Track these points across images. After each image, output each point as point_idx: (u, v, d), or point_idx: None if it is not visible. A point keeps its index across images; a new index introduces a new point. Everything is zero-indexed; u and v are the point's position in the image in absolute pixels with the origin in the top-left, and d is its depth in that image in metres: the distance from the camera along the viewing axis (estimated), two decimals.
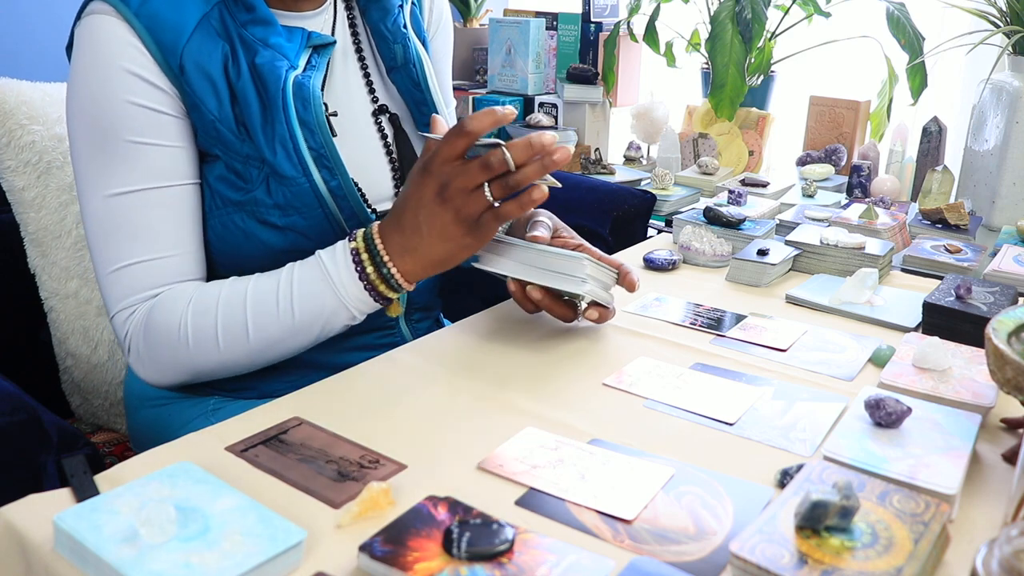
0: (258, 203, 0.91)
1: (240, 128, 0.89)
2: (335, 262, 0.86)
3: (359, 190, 0.97)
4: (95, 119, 0.87)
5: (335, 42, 0.98)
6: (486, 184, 0.81)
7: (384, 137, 1.03)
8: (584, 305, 0.94)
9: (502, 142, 0.81)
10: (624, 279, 0.95)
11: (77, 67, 0.88)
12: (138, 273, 0.90)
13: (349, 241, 0.86)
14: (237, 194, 0.91)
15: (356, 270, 0.85)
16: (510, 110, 0.81)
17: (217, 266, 0.95)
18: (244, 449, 0.71)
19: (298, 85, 0.90)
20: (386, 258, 0.84)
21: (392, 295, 0.87)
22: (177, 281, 0.91)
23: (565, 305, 0.94)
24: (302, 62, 0.93)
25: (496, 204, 0.82)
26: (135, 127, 0.87)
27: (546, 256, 0.90)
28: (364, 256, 0.85)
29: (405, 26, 1.04)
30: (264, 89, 0.89)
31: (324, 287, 0.86)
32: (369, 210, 0.97)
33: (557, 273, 0.90)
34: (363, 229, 0.87)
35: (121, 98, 0.86)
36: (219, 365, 0.90)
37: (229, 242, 0.93)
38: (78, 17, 0.89)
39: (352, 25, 1.04)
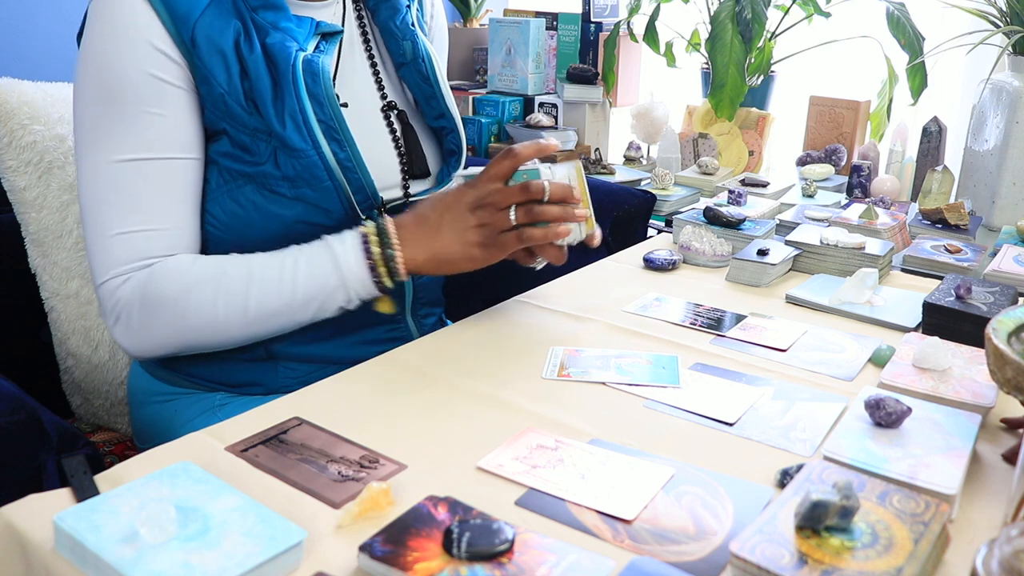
0: (268, 176, 0.92)
1: (248, 102, 0.90)
2: (343, 243, 0.91)
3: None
4: (105, 84, 0.88)
5: (342, 31, 0.99)
6: (515, 207, 0.90)
7: (393, 131, 1.04)
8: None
9: (544, 177, 0.92)
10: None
11: (91, 33, 0.89)
12: (135, 242, 0.90)
13: (361, 227, 0.92)
14: (247, 167, 0.92)
15: (363, 249, 0.90)
16: (552, 144, 0.93)
17: (227, 243, 0.95)
18: (244, 449, 0.71)
19: (307, 61, 0.92)
20: (394, 241, 0.91)
21: (388, 282, 0.91)
22: (171, 253, 0.92)
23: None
24: (311, 46, 0.94)
25: (517, 227, 0.91)
26: (145, 96, 0.88)
27: None
28: (372, 238, 0.91)
29: (413, 24, 1.06)
30: (275, 66, 0.90)
31: (329, 265, 0.90)
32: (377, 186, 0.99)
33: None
34: (375, 221, 0.93)
35: (133, 66, 0.87)
36: (212, 335, 0.91)
37: (240, 217, 0.94)
38: None
39: (361, 24, 1.05)
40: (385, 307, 0.96)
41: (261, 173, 0.92)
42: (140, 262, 0.90)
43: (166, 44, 0.88)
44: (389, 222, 0.92)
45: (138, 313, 0.90)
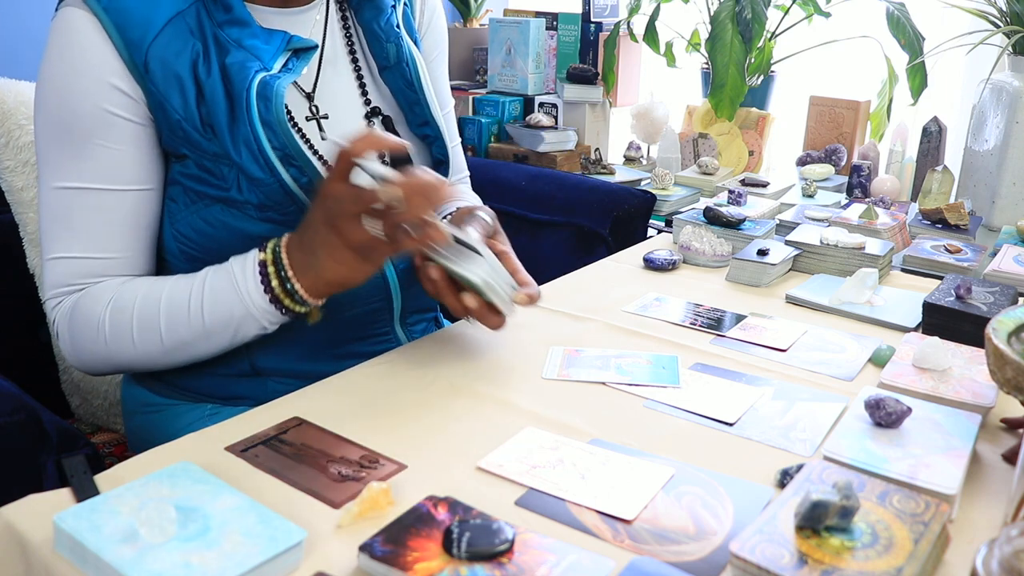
0: (234, 200, 0.90)
1: (206, 128, 0.88)
2: (244, 272, 0.85)
3: None
4: (57, 112, 0.87)
5: (316, 46, 0.95)
6: (373, 216, 0.78)
7: None
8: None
9: (389, 174, 0.76)
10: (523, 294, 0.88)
11: (47, 58, 0.87)
12: (71, 267, 0.90)
13: (260, 252, 0.86)
14: (212, 190, 0.90)
15: (262, 283, 0.85)
16: (397, 143, 0.79)
17: (200, 261, 0.92)
18: (244, 449, 0.71)
19: (263, 85, 0.87)
20: (290, 273, 0.84)
21: (299, 309, 0.86)
22: (106, 279, 0.91)
23: (496, 314, 0.87)
24: (277, 65, 0.90)
25: (383, 236, 0.78)
26: (95, 129, 0.87)
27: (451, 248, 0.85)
28: (271, 269, 0.84)
29: (398, 26, 1.02)
30: (231, 89, 0.87)
31: (233, 296, 0.85)
32: None
33: (458, 262, 0.84)
34: (274, 240, 0.86)
35: (85, 99, 0.86)
36: (136, 360, 0.90)
37: (210, 236, 0.92)
38: (57, 7, 0.89)
39: (345, 27, 1.02)
40: (314, 317, 0.90)
41: (227, 198, 0.90)
42: (72, 286, 0.91)
43: (120, 78, 0.86)
44: (283, 246, 0.84)
45: (69, 335, 0.91)
